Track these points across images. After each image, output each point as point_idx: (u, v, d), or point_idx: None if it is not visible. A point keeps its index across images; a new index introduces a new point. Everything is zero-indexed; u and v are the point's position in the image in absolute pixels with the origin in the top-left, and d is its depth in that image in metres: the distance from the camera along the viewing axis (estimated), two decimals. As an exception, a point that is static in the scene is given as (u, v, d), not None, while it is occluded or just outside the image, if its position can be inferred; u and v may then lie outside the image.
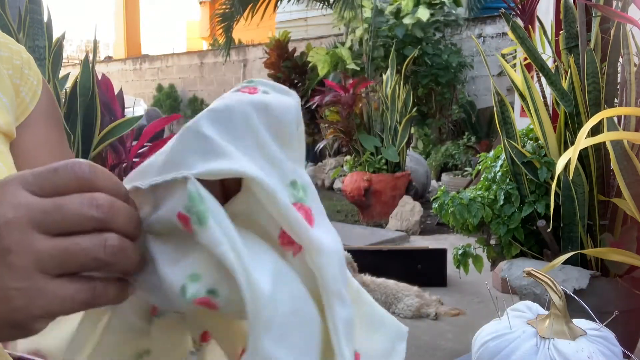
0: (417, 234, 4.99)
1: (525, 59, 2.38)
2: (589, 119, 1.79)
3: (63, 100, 2.85)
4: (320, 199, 0.41)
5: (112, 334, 0.44)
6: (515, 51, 2.79)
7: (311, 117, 7.21)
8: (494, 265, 2.58)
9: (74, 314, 0.38)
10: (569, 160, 1.73)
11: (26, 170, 0.38)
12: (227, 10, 8.41)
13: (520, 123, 2.90)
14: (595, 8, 2.15)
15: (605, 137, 1.91)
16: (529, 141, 2.45)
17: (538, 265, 2.10)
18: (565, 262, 1.97)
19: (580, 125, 2.09)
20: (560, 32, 2.29)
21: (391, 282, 3.26)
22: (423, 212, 5.15)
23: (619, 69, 2.17)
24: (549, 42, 2.53)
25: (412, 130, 6.46)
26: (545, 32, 2.54)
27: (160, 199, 0.38)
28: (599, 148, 2.16)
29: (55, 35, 2.79)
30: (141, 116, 3.27)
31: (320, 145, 6.74)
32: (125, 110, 3.61)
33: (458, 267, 2.52)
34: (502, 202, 2.34)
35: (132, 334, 0.45)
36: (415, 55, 6.73)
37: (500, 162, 2.45)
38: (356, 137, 5.57)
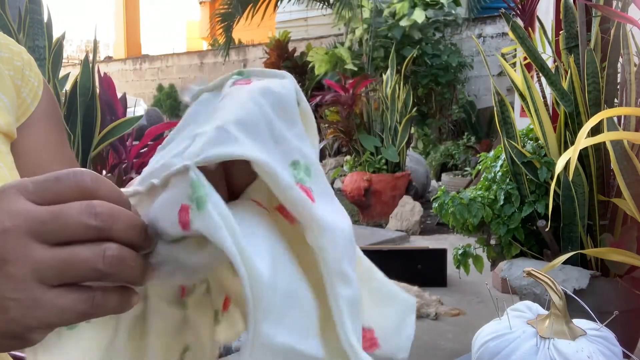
0: (417, 234, 4.99)
1: (525, 59, 2.38)
2: (589, 119, 1.79)
3: (63, 100, 2.85)
4: None
5: (157, 338, 0.45)
6: (515, 51, 2.79)
7: (311, 117, 7.18)
8: (494, 265, 2.58)
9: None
10: (569, 160, 1.73)
11: (26, 178, 0.37)
12: (227, 10, 8.41)
13: (520, 123, 2.90)
14: (595, 8, 2.15)
15: (605, 137, 1.91)
16: (529, 141, 2.44)
17: (538, 265, 2.10)
18: (565, 262, 1.97)
19: (580, 125, 2.09)
20: (560, 32, 2.29)
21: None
22: (423, 212, 5.14)
23: (619, 69, 2.17)
24: (549, 42, 2.53)
25: (412, 130, 6.46)
26: (545, 32, 2.54)
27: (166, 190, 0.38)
28: (599, 148, 2.16)
29: (55, 35, 2.79)
30: (141, 116, 3.28)
31: (320, 145, 6.72)
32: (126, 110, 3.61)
33: (458, 267, 2.52)
34: (502, 202, 2.34)
35: (174, 329, 0.46)
36: (415, 55, 6.73)
37: (500, 162, 2.45)
38: (356, 137, 5.57)
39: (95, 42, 3.22)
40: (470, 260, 2.52)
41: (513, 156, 2.31)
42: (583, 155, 2.17)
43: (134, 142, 3.52)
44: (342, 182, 5.70)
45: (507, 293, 2.87)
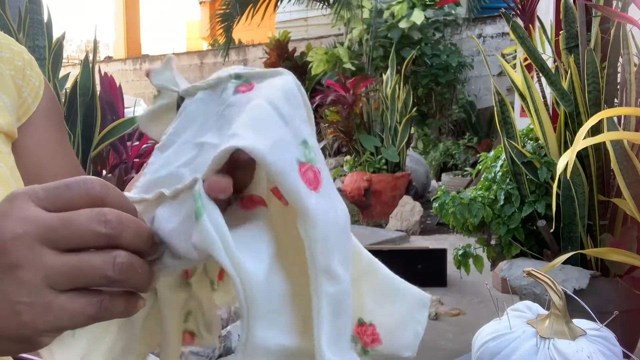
0: (417, 234, 4.99)
1: (525, 59, 2.38)
2: (589, 119, 1.79)
3: (63, 100, 2.85)
4: None
5: (166, 308, 0.47)
6: (515, 51, 2.79)
7: (311, 117, 7.19)
8: (494, 265, 2.58)
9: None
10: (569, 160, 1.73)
11: (36, 185, 0.38)
12: (227, 11, 8.41)
13: (520, 123, 2.90)
14: (595, 8, 2.15)
15: (605, 137, 1.91)
16: (529, 141, 2.44)
17: (538, 265, 2.10)
18: (565, 262, 1.97)
19: (580, 125, 2.09)
20: (560, 32, 2.29)
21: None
22: (423, 212, 5.14)
23: (619, 69, 2.17)
24: (549, 42, 2.53)
25: (412, 130, 6.46)
26: (545, 32, 2.54)
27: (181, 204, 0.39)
28: (599, 148, 2.16)
29: (55, 35, 2.79)
30: (141, 116, 3.27)
31: (320, 145, 6.72)
32: (126, 110, 3.61)
33: (459, 267, 2.52)
34: (502, 202, 2.34)
35: (181, 304, 0.47)
36: (415, 55, 6.73)
37: (500, 162, 2.45)
38: (356, 137, 5.57)
39: (95, 42, 3.23)
40: (470, 260, 2.52)
41: (513, 156, 2.31)
42: (583, 155, 2.17)
43: (135, 142, 3.53)
44: (342, 182, 5.70)
45: (507, 293, 2.87)
